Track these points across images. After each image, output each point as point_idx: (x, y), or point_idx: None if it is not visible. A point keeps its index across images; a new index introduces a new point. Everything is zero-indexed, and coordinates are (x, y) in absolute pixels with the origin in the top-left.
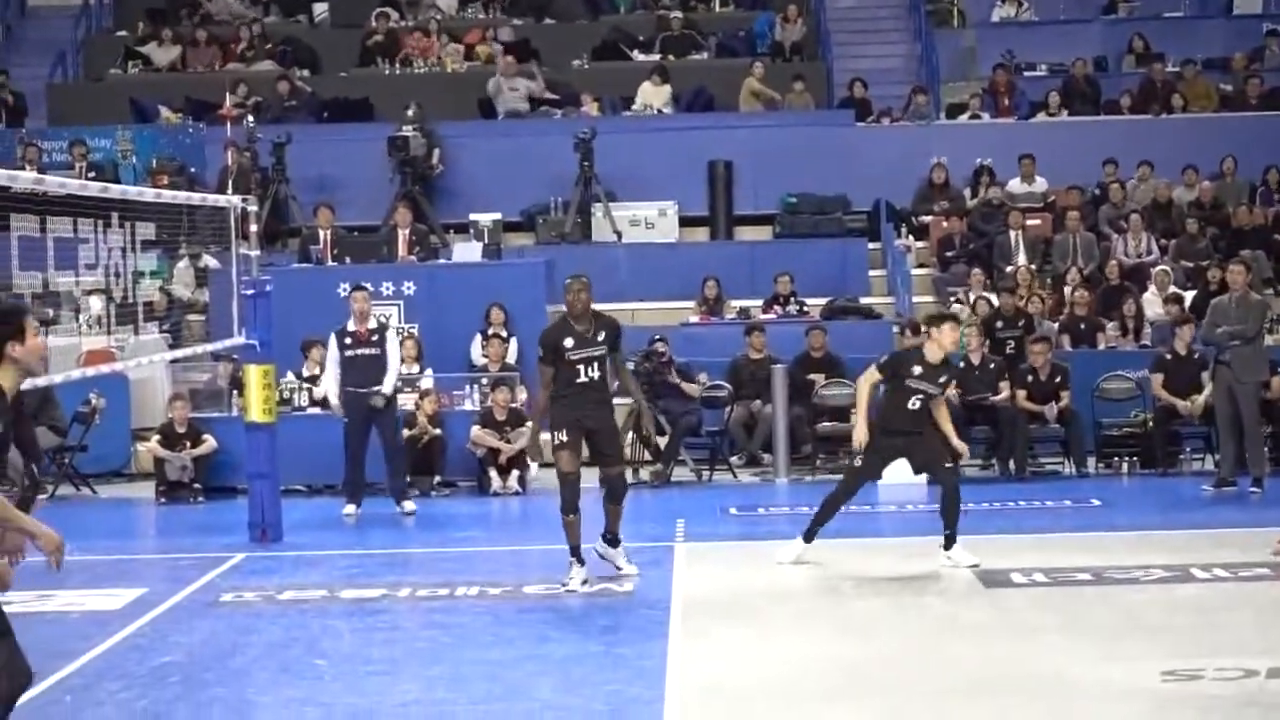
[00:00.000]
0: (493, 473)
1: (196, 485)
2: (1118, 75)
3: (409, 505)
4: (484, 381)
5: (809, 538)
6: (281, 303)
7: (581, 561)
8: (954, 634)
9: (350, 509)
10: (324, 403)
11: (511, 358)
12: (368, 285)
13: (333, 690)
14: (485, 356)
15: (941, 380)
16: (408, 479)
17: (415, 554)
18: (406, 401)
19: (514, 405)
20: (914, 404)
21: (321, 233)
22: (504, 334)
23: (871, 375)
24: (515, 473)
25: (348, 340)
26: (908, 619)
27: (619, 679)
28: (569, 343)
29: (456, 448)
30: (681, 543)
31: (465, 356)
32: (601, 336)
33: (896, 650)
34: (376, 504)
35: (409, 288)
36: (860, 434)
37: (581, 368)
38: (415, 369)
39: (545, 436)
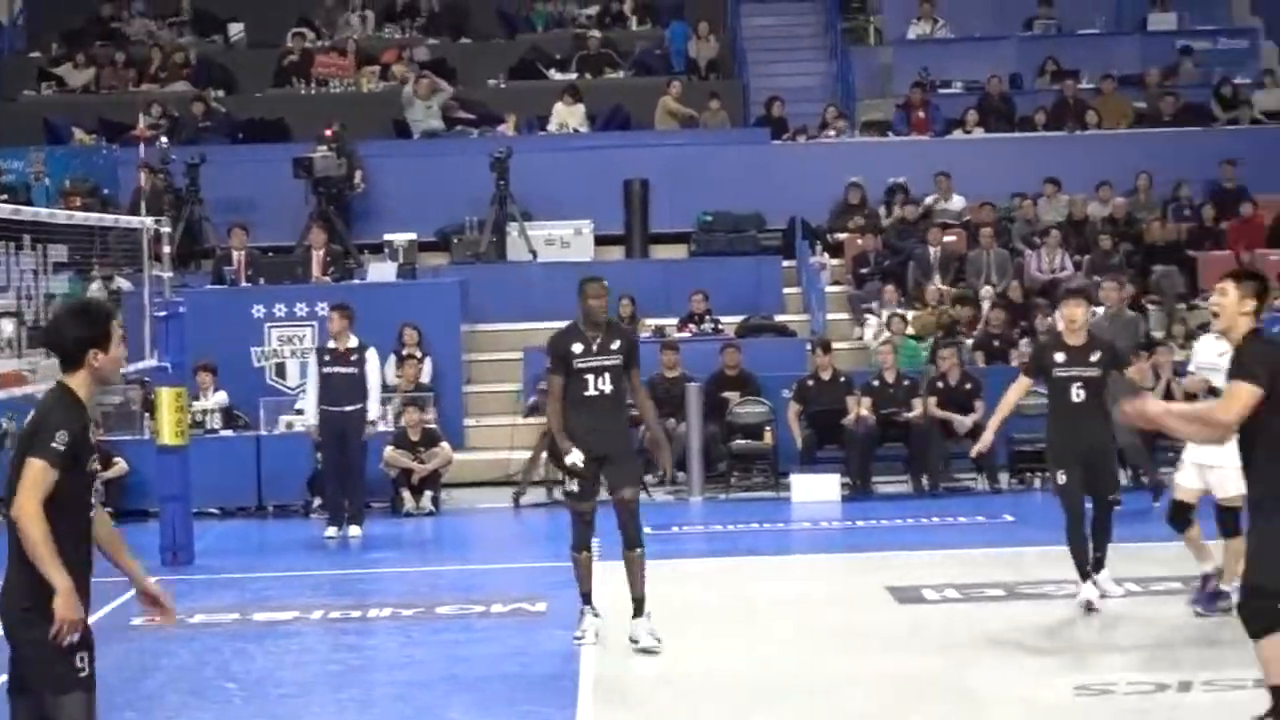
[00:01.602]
0: (405, 493)
1: (108, 508)
2: (1033, 92)
3: (355, 530)
4: (397, 402)
5: (1085, 576)
6: (195, 325)
7: (595, 611)
8: (868, 650)
9: (332, 531)
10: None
11: (426, 378)
12: (349, 304)
13: (243, 713)
14: (399, 377)
15: (1095, 359)
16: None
17: (328, 575)
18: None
19: (428, 425)
20: (1076, 395)
21: (235, 254)
22: (418, 354)
23: (1020, 383)
24: (428, 493)
25: (326, 358)
26: (821, 635)
27: (532, 699)
28: (577, 349)
29: (370, 468)
30: (597, 561)
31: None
32: (616, 346)
33: (810, 667)
34: (294, 527)
35: (323, 309)
36: (984, 440)
37: (591, 379)
38: None
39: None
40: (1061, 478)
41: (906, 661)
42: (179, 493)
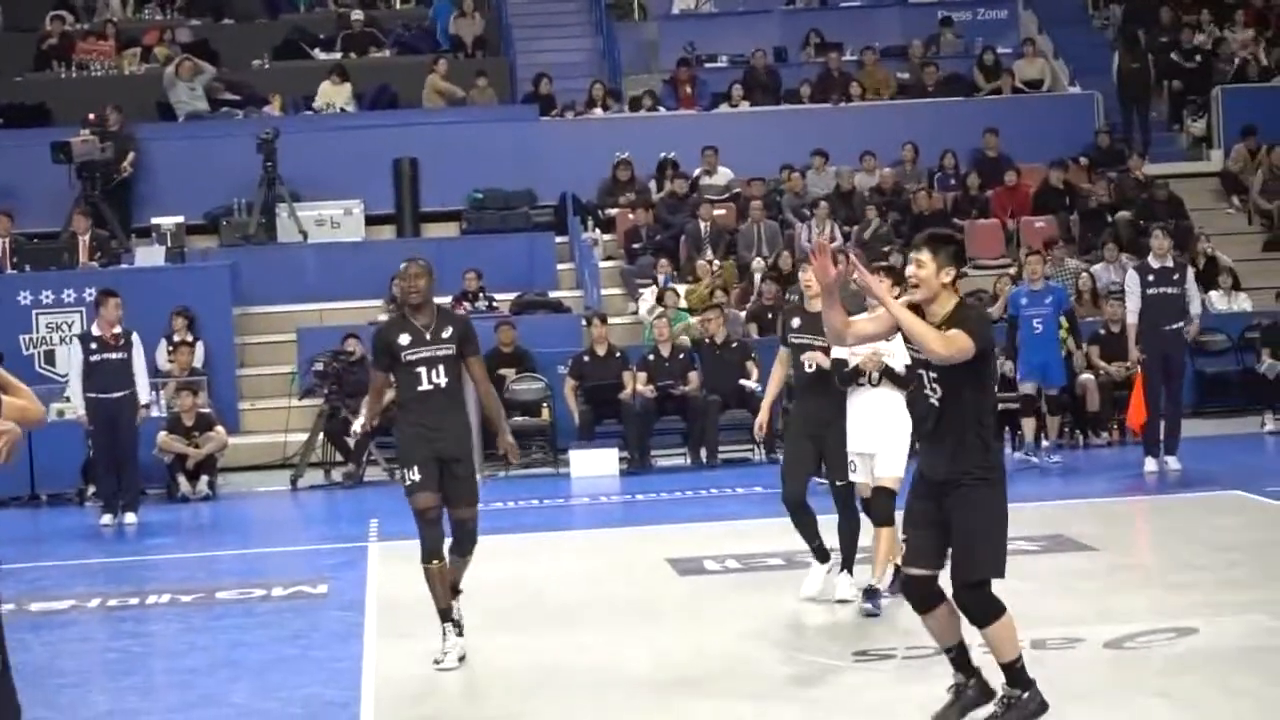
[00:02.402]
0: (181, 478)
1: None
2: (797, 65)
3: (131, 517)
4: (170, 387)
5: (821, 557)
6: None
7: (458, 627)
8: (650, 624)
9: (107, 518)
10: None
11: (198, 362)
12: (117, 292)
13: (22, 704)
14: (171, 362)
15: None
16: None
17: (104, 563)
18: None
19: (201, 410)
20: (809, 365)
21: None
22: (189, 338)
23: (781, 357)
24: (204, 478)
25: (93, 345)
26: (604, 611)
27: (315, 682)
28: (404, 339)
29: (144, 454)
30: (375, 542)
31: (150, 362)
32: (448, 333)
33: (596, 643)
34: (69, 515)
35: (91, 294)
36: (760, 421)
37: (423, 371)
38: None
39: None
40: (781, 458)
41: (688, 635)
42: None
